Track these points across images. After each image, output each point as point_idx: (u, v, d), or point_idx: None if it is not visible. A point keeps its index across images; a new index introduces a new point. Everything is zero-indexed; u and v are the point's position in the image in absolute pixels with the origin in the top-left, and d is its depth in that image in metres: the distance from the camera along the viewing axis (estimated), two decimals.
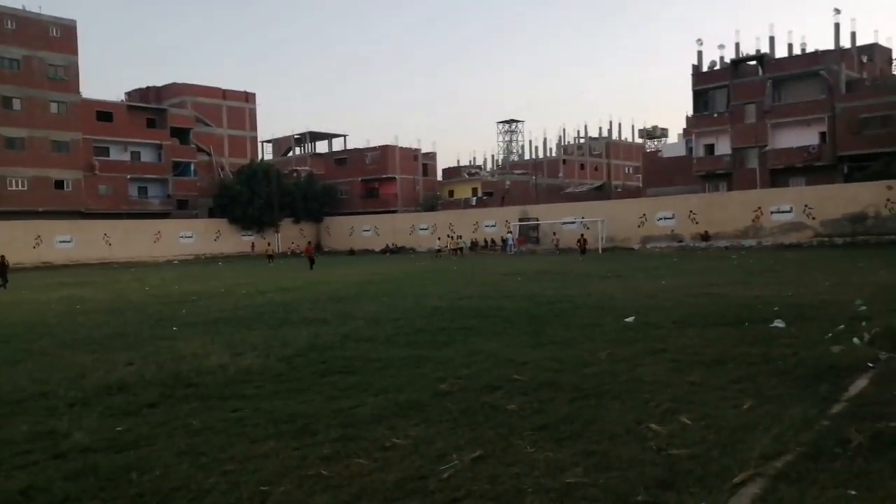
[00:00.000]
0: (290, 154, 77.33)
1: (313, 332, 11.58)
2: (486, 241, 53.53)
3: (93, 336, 12.22)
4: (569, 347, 9.40)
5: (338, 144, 77.04)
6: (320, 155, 75.59)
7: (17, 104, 50.95)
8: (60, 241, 49.49)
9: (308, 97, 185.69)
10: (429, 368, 8.29)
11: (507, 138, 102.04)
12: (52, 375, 8.64)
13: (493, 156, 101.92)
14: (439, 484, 4.58)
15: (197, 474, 4.94)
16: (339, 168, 70.59)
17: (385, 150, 67.73)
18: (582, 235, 39.81)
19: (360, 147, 70.80)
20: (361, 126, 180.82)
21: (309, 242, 42.67)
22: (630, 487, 4.40)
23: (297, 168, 69.81)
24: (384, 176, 67.54)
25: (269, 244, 54.27)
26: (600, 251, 43.06)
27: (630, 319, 11.69)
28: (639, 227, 46.41)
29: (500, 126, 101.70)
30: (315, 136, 76.66)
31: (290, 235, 62.45)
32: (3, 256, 27.80)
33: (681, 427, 5.61)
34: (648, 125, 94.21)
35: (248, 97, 68.63)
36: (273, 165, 65.14)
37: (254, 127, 68.95)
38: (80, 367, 9.16)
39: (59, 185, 52.97)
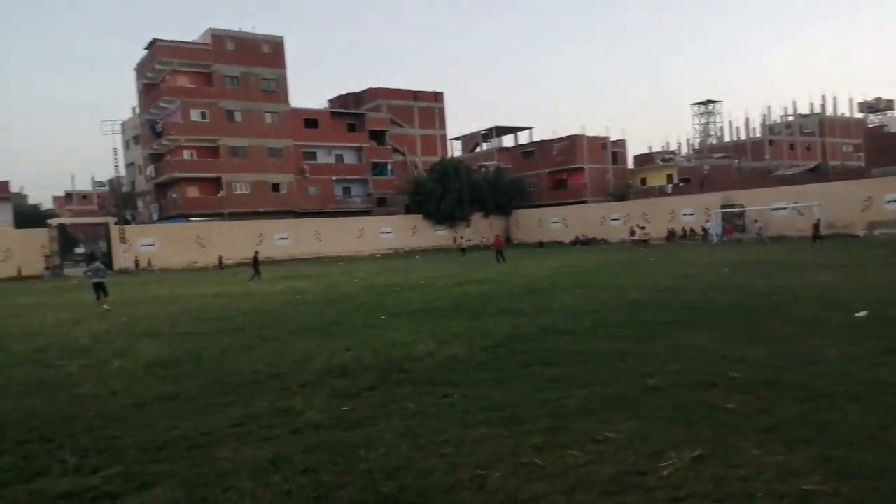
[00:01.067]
0: (478, 149, 78.98)
1: (511, 324, 11.75)
2: (683, 230, 50.81)
3: (313, 324, 13.40)
4: (790, 344, 8.65)
5: (524, 137, 77.49)
6: (507, 149, 76.38)
7: (238, 116, 57.44)
8: (279, 239, 54.90)
9: (493, 91, 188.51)
10: (634, 363, 8.06)
11: (703, 120, 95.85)
12: (283, 359, 9.60)
13: (688, 140, 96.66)
14: (659, 481, 4.44)
15: (416, 455, 5.23)
16: (527, 161, 70.80)
17: (572, 140, 66.74)
18: (818, 220, 36.38)
19: (547, 138, 70.39)
20: (548, 117, 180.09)
21: (497, 235, 43.27)
22: (880, 499, 3.99)
23: (485, 163, 71.11)
24: (572, 166, 66.56)
25: (462, 238, 55.93)
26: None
27: (862, 314, 10.51)
28: (863, 211, 41.39)
29: (696, 108, 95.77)
30: (501, 131, 77.57)
31: (480, 229, 63.89)
32: (256, 252, 32.04)
33: None
34: (870, 97, 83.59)
35: (437, 97, 71.04)
36: (462, 161, 66.93)
37: (443, 125, 71.29)
38: (305, 352, 10.09)
39: (276, 187, 58.86)
